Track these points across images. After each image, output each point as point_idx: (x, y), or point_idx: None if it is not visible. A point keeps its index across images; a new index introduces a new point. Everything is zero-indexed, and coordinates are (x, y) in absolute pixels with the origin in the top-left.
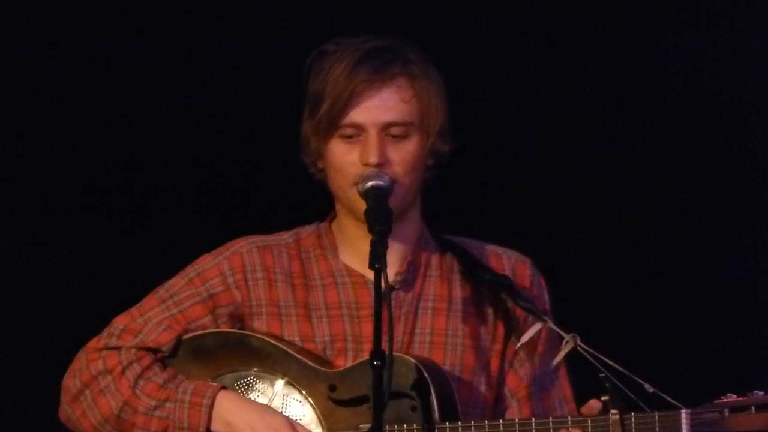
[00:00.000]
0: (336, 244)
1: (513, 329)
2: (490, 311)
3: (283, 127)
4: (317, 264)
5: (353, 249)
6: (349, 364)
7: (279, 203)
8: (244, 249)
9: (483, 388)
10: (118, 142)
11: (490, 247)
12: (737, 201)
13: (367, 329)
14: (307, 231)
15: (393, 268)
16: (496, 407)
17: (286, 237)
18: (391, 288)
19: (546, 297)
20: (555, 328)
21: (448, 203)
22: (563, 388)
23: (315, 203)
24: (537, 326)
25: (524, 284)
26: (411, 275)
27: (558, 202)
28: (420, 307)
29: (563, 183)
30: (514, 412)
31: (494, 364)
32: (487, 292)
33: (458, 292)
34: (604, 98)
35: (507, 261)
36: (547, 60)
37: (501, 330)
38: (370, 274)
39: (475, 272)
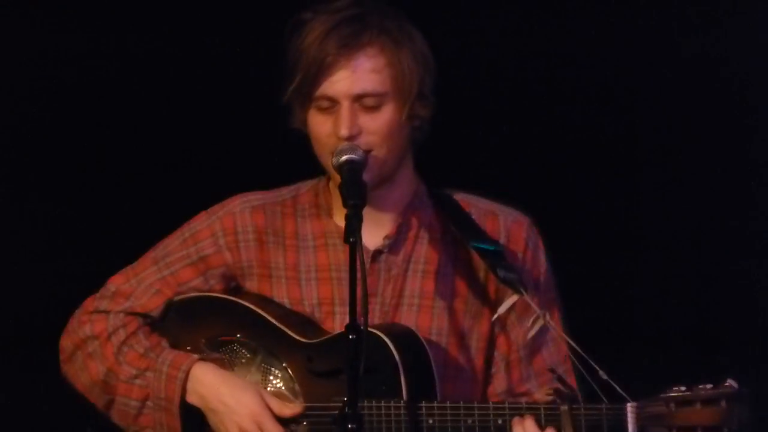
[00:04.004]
0: (331, 203)
1: (504, 292)
2: (480, 274)
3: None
4: (311, 223)
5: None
6: (337, 326)
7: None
8: (237, 209)
9: (472, 352)
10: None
11: (489, 206)
12: (710, 187)
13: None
14: (306, 186)
15: (383, 231)
16: (487, 370)
17: (285, 193)
18: (379, 252)
19: (542, 259)
20: (530, 302)
21: (448, 158)
22: (558, 350)
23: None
24: (513, 298)
25: (518, 248)
26: (401, 237)
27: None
28: (409, 269)
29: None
30: (503, 375)
31: (484, 327)
32: (477, 256)
33: (449, 254)
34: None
35: (503, 222)
36: (541, 21)
37: (491, 293)
38: (362, 237)
39: (464, 236)
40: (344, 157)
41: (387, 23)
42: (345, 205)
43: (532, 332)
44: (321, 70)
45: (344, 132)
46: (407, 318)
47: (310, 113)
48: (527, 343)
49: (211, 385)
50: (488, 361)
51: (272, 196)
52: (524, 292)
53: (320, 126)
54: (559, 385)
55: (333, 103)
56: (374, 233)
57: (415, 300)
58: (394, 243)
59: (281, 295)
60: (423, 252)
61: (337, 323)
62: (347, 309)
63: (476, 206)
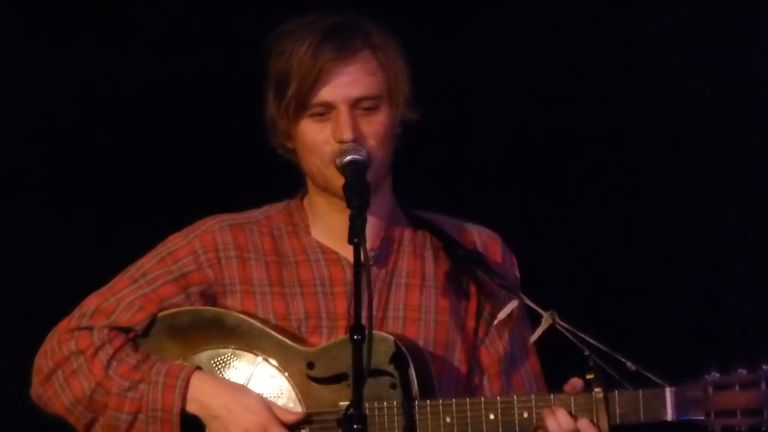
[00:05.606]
0: (307, 221)
1: (485, 305)
2: (462, 287)
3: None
4: (289, 241)
5: (325, 226)
6: (324, 341)
7: (246, 182)
8: (215, 227)
9: (456, 364)
10: (84, 121)
11: (461, 223)
12: (716, 175)
13: (341, 306)
14: (277, 209)
15: (367, 244)
16: (468, 383)
17: (256, 214)
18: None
19: (517, 273)
20: (531, 304)
21: (417, 179)
22: (533, 365)
23: (282, 181)
24: (513, 303)
25: (496, 260)
26: (384, 251)
27: (535, 176)
28: (393, 282)
29: (541, 158)
30: (485, 388)
31: (467, 339)
32: (460, 268)
33: (431, 267)
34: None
35: (478, 237)
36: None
37: (474, 306)
38: (343, 251)
39: (448, 248)
40: (348, 158)
41: (372, 28)
42: (349, 206)
43: (538, 334)
44: (318, 77)
45: (348, 135)
46: (394, 331)
47: (303, 123)
48: (508, 356)
49: (214, 391)
50: (470, 373)
51: (244, 216)
52: (523, 297)
53: (317, 134)
54: (594, 374)
55: (329, 109)
56: None
57: (400, 313)
58: (378, 256)
59: (267, 310)
60: (405, 265)
61: (323, 337)
62: (334, 323)
63: (448, 223)
